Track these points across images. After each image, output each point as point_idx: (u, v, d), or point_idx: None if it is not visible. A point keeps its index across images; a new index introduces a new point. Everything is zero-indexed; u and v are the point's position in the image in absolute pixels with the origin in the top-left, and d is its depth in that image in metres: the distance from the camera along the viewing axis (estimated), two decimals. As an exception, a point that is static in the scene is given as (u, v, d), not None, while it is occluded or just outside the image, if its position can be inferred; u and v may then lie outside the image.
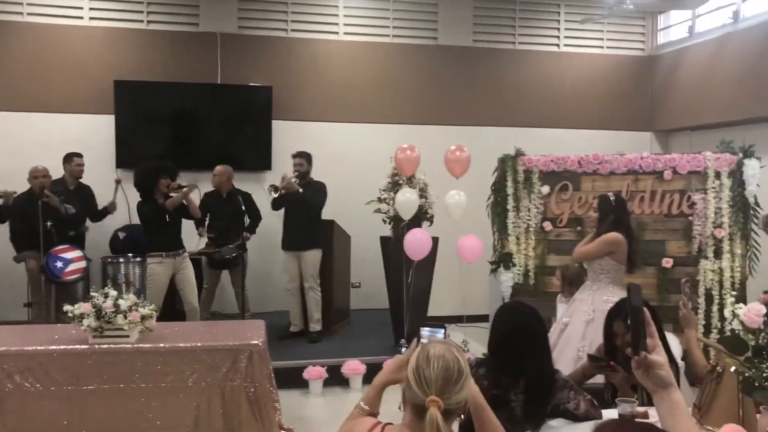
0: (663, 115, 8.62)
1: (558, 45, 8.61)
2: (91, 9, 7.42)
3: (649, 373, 1.53)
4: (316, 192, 6.39)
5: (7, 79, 7.22)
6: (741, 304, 2.51)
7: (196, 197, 6.04)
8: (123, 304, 4.05)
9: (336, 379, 5.74)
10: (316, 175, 6.58)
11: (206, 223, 6.60)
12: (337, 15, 8.02)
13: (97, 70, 7.38)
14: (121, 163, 7.37)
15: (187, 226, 6.26)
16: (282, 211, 6.56)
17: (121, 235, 6.85)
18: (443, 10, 8.25)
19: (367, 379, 5.53)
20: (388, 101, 8.11)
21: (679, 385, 1.92)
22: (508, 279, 6.15)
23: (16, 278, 6.40)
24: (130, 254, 6.34)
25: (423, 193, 6.14)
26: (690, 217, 5.87)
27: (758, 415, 2.34)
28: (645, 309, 1.55)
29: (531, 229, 6.17)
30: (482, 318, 7.62)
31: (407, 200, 5.87)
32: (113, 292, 4.11)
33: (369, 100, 8.07)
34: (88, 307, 4.01)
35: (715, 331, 5.64)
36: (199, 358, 4.11)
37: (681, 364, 3.30)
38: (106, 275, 6.66)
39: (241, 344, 4.17)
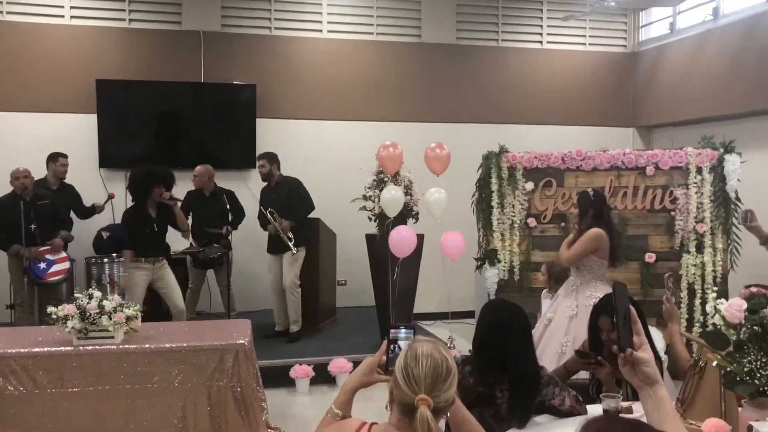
0: (645, 111, 8.70)
1: (541, 42, 8.65)
2: (72, 8, 7.35)
3: (636, 370, 1.55)
4: (300, 200, 6.45)
5: (-13, 78, 7.14)
6: (722, 300, 2.54)
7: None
8: (107, 305, 4.04)
9: (323, 377, 5.75)
10: (302, 174, 6.57)
11: (189, 222, 6.56)
12: (320, 13, 8.00)
13: (79, 69, 7.31)
14: (104, 162, 7.33)
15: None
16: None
17: (105, 234, 6.82)
18: (427, 8, 8.26)
19: (354, 376, 5.55)
20: (372, 99, 8.11)
21: (663, 379, 1.95)
22: (493, 275, 6.17)
23: (-2, 280, 6.34)
24: (114, 254, 6.30)
25: (408, 191, 6.15)
26: (672, 212, 5.93)
27: (740, 409, 2.38)
28: (631, 306, 1.57)
29: (515, 225, 6.19)
30: (468, 314, 7.66)
31: (392, 198, 5.87)
32: (97, 293, 4.10)
33: (353, 98, 8.06)
34: (72, 308, 3.99)
35: (697, 325, 5.70)
36: (184, 358, 4.11)
37: (664, 358, 3.34)
38: (90, 276, 6.62)
39: (227, 344, 4.17)
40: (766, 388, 2.26)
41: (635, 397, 2.93)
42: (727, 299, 2.54)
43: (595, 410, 2.80)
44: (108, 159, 7.34)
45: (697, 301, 5.74)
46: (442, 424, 1.90)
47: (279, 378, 5.56)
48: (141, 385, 4.06)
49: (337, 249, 7.35)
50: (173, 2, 7.62)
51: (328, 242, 7.03)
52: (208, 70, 7.65)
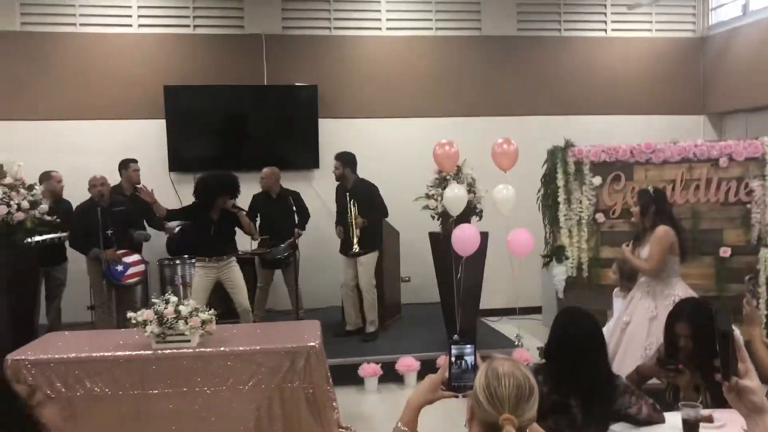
0: (716, 97, 8.38)
1: (605, 30, 8.43)
2: (139, 17, 7.59)
3: (742, 399, 1.50)
4: (377, 206, 6.42)
5: (62, 88, 7.45)
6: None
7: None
8: (183, 310, 4.17)
9: (391, 375, 5.79)
10: (364, 171, 6.59)
11: (257, 224, 6.68)
12: (379, 11, 8.01)
13: (147, 76, 7.55)
14: (173, 166, 7.55)
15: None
16: (335, 213, 6.68)
17: (175, 228, 6.92)
18: (486, 0, 8.17)
19: (421, 375, 5.56)
20: (432, 95, 8.09)
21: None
22: (561, 272, 6.09)
23: (79, 282, 6.61)
24: (186, 256, 6.47)
25: (471, 188, 6.09)
26: (748, 205, 5.73)
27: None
28: (734, 332, 1.52)
29: (583, 221, 6.09)
30: (535, 310, 7.59)
31: (455, 196, 5.81)
32: (173, 298, 4.25)
33: (414, 95, 8.05)
34: (150, 313, 4.15)
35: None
36: (258, 360, 4.21)
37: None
38: (164, 277, 6.87)
39: (298, 346, 4.25)
40: None
41: (714, 404, 2.86)
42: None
43: (672, 418, 2.74)
44: (177, 163, 7.56)
45: (777, 297, 5.53)
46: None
47: (348, 376, 5.63)
48: (216, 387, 4.18)
49: (400, 246, 7.36)
50: (235, 6, 7.77)
51: (391, 241, 7.05)
52: (271, 73, 7.77)
